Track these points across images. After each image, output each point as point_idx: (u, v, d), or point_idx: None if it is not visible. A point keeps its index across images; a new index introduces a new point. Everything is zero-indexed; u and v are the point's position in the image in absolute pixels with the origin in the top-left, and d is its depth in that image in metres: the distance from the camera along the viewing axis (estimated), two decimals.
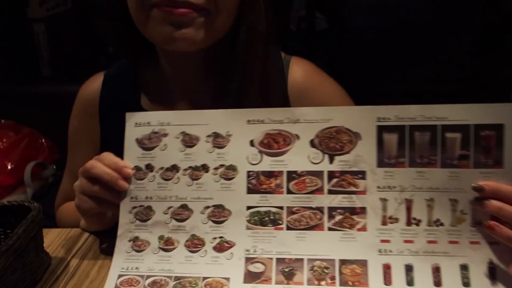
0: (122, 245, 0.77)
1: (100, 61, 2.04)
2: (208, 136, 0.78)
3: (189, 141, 0.79)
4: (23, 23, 2.01)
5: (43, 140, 1.71)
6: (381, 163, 0.74)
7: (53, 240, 0.85)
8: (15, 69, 2.06)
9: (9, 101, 1.79)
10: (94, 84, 1.02)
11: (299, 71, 0.94)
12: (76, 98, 1.05)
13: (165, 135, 0.79)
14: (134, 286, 0.73)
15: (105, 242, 0.86)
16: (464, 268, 0.70)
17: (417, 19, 1.95)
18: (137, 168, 0.79)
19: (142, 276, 0.74)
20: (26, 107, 1.77)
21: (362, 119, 0.75)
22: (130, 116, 0.80)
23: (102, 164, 0.77)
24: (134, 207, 0.78)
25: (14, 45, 2.03)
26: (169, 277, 0.74)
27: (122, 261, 0.76)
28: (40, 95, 1.80)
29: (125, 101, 0.98)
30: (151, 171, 0.78)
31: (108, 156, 0.78)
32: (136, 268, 0.75)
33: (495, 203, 0.68)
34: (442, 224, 0.72)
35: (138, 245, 0.76)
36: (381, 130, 0.74)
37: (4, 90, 1.86)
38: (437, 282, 0.70)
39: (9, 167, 1.57)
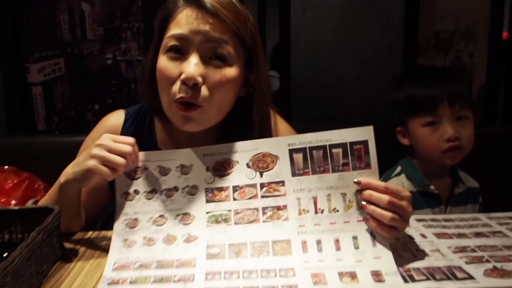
0: (115, 244, 0.92)
1: (87, 117, 2.14)
2: (177, 167, 0.96)
3: (163, 171, 0.96)
4: (24, 86, 2.07)
5: (40, 183, 1.79)
6: (294, 174, 0.93)
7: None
8: (16, 124, 2.09)
9: (11, 150, 1.88)
10: (118, 119, 1.14)
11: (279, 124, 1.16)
12: (97, 125, 1.16)
13: (146, 168, 0.96)
14: (126, 268, 0.87)
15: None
16: (355, 238, 0.89)
17: (350, 76, 2.18)
18: (127, 193, 0.95)
19: (132, 262, 0.89)
20: (25, 155, 1.87)
21: (279, 146, 0.94)
22: None
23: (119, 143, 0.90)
24: (125, 220, 0.94)
25: (16, 104, 2.07)
26: (152, 261, 0.88)
27: (116, 255, 0.91)
28: (37, 145, 1.90)
29: (144, 140, 1.10)
30: (138, 194, 0.96)
31: (123, 138, 0.92)
32: (127, 257, 0.90)
33: (367, 191, 0.88)
34: (338, 211, 0.90)
35: (128, 244, 0.92)
36: (291, 151, 0.93)
37: (7, 141, 1.96)
38: (338, 248, 0.88)
39: (12, 204, 1.66)
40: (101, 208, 1.17)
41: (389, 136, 1.55)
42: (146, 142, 1.11)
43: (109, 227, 1.08)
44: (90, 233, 1.06)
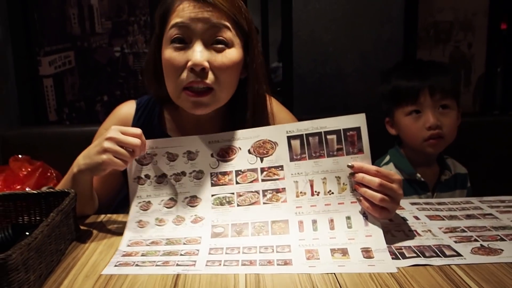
0: (130, 225, 0.98)
1: (96, 108, 2.18)
2: (184, 153, 1.01)
3: (171, 157, 1.01)
4: (36, 78, 2.11)
5: (52, 171, 1.80)
6: (291, 159, 0.98)
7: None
8: (28, 115, 2.13)
9: (24, 140, 1.92)
10: (129, 109, 1.19)
11: (273, 105, 1.18)
12: (110, 115, 1.21)
13: (155, 154, 1.01)
14: (139, 244, 0.93)
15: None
16: (348, 218, 0.93)
17: (350, 67, 2.19)
18: (139, 177, 1.01)
19: (144, 239, 0.95)
20: (37, 145, 1.90)
21: (278, 133, 0.99)
22: None
23: (128, 136, 0.95)
24: (139, 202, 1.00)
25: (28, 96, 2.11)
26: (162, 239, 0.95)
27: (131, 234, 0.97)
28: (48, 135, 1.93)
29: (154, 128, 1.16)
30: (149, 178, 1.01)
31: (130, 130, 0.96)
32: (140, 236, 0.96)
33: (359, 174, 0.93)
34: (332, 193, 0.95)
35: (141, 225, 0.98)
36: (289, 138, 0.98)
37: (20, 131, 2.00)
38: (332, 227, 0.93)
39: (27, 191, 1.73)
40: (115, 193, 1.23)
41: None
42: (156, 130, 1.16)
43: (120, 211, 1.15)
44: (102, 216, 1.12)
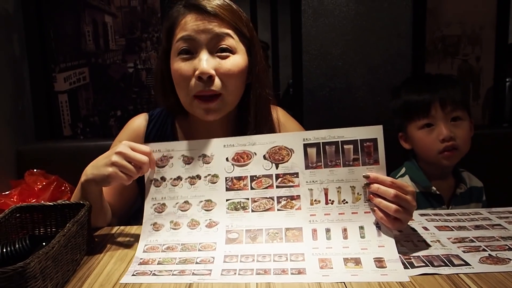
0: (146, 228, 0.99)
1: (110, 123, 2.21)
2: (199, 156, 1.02)
3: (187, 160, 1.02)
4: (51, 94, 2.14)
5: (66, 185, 1.83)
6: (307, 167, 0.98)
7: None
8: (43, 130, 2.15)
9: (39, 154, 1.96)
10: (142, 121, 1.23)
11: (280, 115, 1.24)
12: (124, 128, 1.25)
13: (171, 157, 1.03)
14: (155, 250, 0.95)
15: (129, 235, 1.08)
16: (361, 228, 0.94)
17: (359, 81, 2.19)
18: (155, 179, 1.02)
19: (160, 244, 0.96)
20: (52, 159, 1.94)
21: (294, 140, 0.99)
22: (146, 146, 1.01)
23: (137, 152, 0.97)
24: (154, 204, 1.01)
25: (44, 111, 2.14)
26: (178, 244, 0.96)
27: (146, 237, 0.98)
28: (63, 150, 1.98)
29: (167, 138, 1.18)
30: (164, 181, 1.02)
31: (140, 147, 0.99)
32: (156, 240, 0.97)
33: (375, 185, 0.94)
34: (346, 202, 0.96)
35: (156, 227, 0.99)
36: (306, 146, 0.98)
37: (35, 146, 2.03)
38: (345, 236, 0.93)
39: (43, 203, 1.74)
40: (130, 205, 1.24)
41: (397, 139, 1.62)
42: (169, 139, 1.19)
43: (132, 224, 1.17)
44: (115, 228, 1.14)
